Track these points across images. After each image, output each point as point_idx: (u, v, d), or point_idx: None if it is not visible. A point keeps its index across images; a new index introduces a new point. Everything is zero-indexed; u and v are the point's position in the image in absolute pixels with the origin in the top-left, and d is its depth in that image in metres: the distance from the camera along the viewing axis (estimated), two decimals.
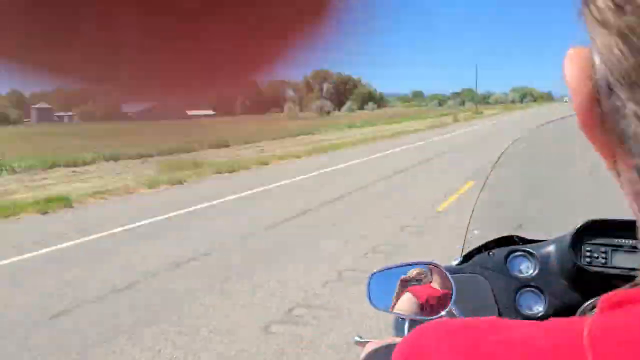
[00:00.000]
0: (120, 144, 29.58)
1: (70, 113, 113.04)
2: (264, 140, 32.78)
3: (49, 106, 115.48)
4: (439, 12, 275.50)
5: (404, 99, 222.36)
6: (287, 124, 59.84)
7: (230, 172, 13.80)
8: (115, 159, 19.85)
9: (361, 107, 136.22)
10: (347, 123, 50.32)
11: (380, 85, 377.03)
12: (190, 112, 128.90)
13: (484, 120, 51.95)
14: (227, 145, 28.63)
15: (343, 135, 35.90)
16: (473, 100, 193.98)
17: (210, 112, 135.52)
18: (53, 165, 17.05)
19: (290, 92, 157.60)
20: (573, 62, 0.32)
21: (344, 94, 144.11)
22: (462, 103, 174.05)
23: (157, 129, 53.72)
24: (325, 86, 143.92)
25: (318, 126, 48.17)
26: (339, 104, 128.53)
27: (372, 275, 1.25)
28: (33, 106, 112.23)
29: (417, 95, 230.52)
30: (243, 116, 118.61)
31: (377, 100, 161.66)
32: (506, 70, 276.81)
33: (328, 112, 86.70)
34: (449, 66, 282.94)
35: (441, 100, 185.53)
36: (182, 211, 9.49)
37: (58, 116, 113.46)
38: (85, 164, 18.40)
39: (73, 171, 15.98)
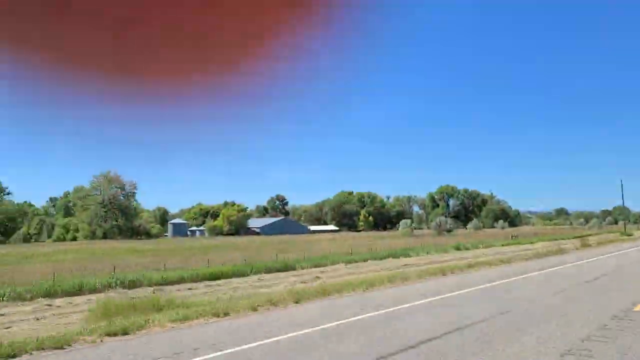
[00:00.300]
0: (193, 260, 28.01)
1: (201, 228, 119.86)
2: (344, 262, 29.13)
3: (184, 221, 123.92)
4: (587, 124, 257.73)
5: (545, 217, 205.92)
6: (397, 241, 55.98)
7: (184, 320, 10.13)
8: (134, 285, 17.61)
9: (492, 225, 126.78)
10: (456, 243, 44.70)
11: (519, 202, 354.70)
12: (312, 228, 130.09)
13: (627, 245, 43.04)
14: (292, 269, 25.47)
15: (430, 259, 31.19)
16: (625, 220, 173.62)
17: (333, 227, 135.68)
18: (47, 295, 15.26)
19: (415, 208, 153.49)
20: None
21: (473, 210, 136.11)
22: (615, 222, 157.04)
23: (260, 245, 52.92)
24: (452, 202, 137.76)
25: (424, 245, 43.31)
26: (466, 220, 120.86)
27: None
28: (170, 222, 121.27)
29: (561, 213, 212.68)
30: (364, 233, 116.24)
31: (512, 217, 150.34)
32: None
33: (449, 230, 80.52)
34: (599, 182, 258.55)
35: (588, 218, 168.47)
36: None
37: (191, 230, 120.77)
38: (92, 291, 16.38)
39: (48, 304, 13.90)
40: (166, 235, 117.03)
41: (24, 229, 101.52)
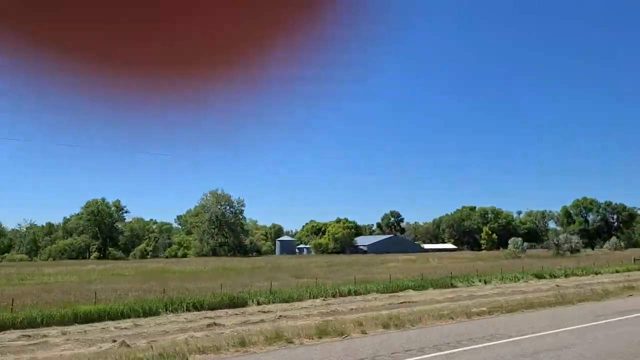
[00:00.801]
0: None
1: (308, 246, 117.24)
2: (324, 296, 22.70)
3: (292, 239, 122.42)
4: None
5: None
6: (489, 263, 46.86)
7: None
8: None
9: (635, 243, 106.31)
10: (540, 270, 35.03)
11: None
12: (427, 246, 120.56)
13: None
14: (242, 305, 19.83)
15: (462, 293, 23.32)
16: None
17: (451, 246, 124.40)
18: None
19: (551, 224, 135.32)
20: None
21: (617, 227, 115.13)
22: None
23: (320, 266, 47.05)
24: (591, 217, 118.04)
25: (489, 273, 34.32)
26: (608, 238, 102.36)
27: None
28: (278, 239, 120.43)
29: None
30: (485, 252, 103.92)
31: None
32: None
33: (574, 250, 66.80)
34: None
35: None
36: None
37: (299, 248, 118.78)
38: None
39: None
40: (274, 253, 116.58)
41: (142, 246, 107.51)
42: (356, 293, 23.22)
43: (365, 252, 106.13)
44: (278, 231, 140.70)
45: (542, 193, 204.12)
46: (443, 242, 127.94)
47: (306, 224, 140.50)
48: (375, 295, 22.62)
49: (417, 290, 24.70)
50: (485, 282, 29.16)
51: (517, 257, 59.69)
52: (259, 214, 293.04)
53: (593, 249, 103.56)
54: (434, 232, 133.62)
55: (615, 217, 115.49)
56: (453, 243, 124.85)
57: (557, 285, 26.50)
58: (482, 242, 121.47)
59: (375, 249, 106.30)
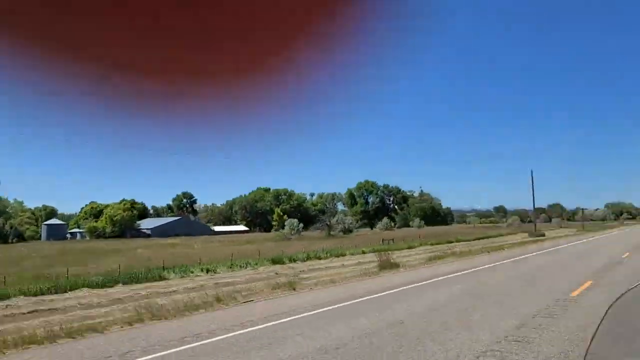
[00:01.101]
0: None
1: (82, 230, 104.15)
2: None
3: (62, 223, 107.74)
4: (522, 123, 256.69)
5: (484, 215, 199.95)
6: (266, 245, 44.03)
7: None
8: None
9: (419, 224, 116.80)
10: (279, 254, 32.59)
11: (463, 201, 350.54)
12: (217, 228, 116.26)
13: (525, 251, 32.12)
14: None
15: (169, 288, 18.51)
16: (561, 217, 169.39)
17: (243, 228, 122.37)
18: None
19: (340, 206, 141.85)
20: None
21: (393, 208, 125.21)
22: (549, 220, 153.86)
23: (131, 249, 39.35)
24: (371, 199, 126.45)
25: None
26: (381, 218, 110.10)
27: None
28: (44, 222, 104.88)
29: (500, 210, 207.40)
30: (259, 234, 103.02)
31: (443, 215, 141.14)
32: (601, 183, 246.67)
33: (346, 230, 68.43)
34: (538, 179, 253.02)
35: (523, 217, 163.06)
36: None
37: (71, 233, 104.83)
38: None
39: None
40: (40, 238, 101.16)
41: None
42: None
43: (148, 235, 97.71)
44: (50, 214, 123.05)
45: (342, 176, 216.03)
46: (236, 223, 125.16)
47: (85, 205, 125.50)
48: (14, 300, 16.50)
49: (97, 288, 19.20)
50: (208, 271, 25.01)
51: (288, 239, 58.37)
52: (35, 196, 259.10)
53: (372, 228, 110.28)
54: (227, 214, 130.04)
55: (391, 199, 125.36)
56: (246, 225, 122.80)
57: (276, 273, 23.44)
58: (274, 223, 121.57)
59: (160, 232, 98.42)
